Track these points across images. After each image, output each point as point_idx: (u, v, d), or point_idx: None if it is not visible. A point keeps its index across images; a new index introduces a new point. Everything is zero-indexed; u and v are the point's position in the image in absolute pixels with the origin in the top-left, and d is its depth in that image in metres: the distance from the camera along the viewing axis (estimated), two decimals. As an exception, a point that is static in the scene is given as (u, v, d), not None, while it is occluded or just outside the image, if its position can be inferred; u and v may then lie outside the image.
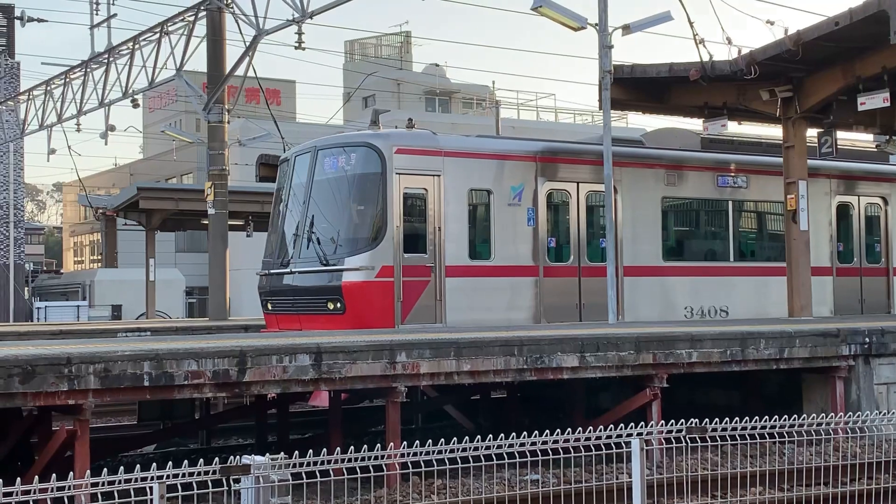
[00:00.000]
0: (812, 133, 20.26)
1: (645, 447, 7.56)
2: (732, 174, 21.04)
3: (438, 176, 17.57)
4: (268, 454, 6.93)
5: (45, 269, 60.33)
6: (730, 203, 21.06)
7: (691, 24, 18.76)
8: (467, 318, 17.38)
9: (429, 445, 7.05)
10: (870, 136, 23.56)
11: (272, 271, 18.25)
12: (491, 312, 17.76)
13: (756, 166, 21.43)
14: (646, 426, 7.77)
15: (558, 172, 19.03)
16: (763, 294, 21.07)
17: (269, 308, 18.32)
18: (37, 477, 6.11)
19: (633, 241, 19.57)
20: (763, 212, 21.84)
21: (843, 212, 22.45)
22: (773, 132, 22.63)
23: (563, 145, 20.35)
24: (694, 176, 20.65)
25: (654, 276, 19.82)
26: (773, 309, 20.82)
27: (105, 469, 6.36)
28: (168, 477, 6.14)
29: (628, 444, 7.51)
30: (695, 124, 22.81)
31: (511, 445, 7.24)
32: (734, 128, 22.29)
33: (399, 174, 17.19)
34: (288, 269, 17.75)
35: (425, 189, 17.47)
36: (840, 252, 22.19)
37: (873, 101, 18.09)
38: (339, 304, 16.74)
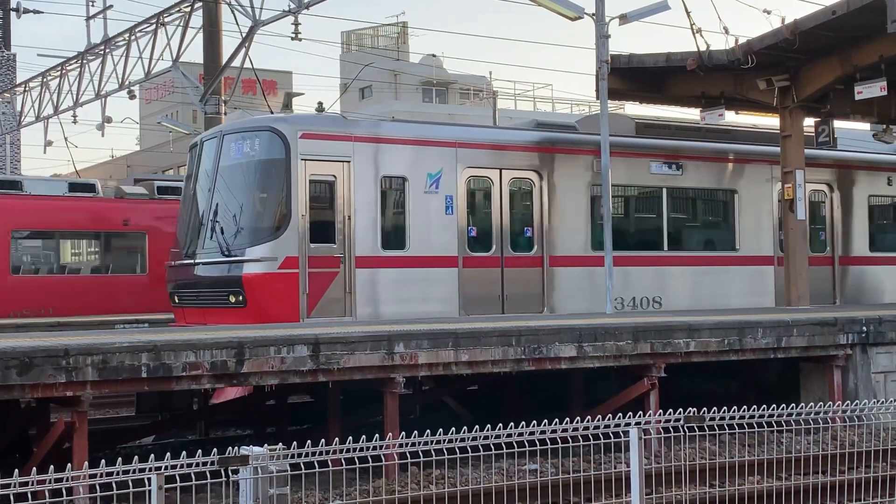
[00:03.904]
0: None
1: (643, 436, 7.57)
2: (667, 160, 20.20)
3: (348, 162, 16.92)
4: (266, 445, 6.93)
5: (42, 260, 60.12)
6: (664, 190, 20.27)
7: (688, 13, 18.74)
8: (380, 311, 16.84)
9: (427, 436, 7.06)
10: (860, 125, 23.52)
11: (177, 263, 17.65)
12: (406, 305, 17.15)
13: (693, 152, 20.61)
14: (644, 416, 7.77)
15: (479, 159, 18.29)
16: (698, 284, 20.32)
17: (176, 301, 17.76)
18: (35, 469, 6.11)
19: (559, 230, 18.87)
20: (699, 199, 21.11)
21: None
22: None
23: (484, 131, 19.78)
24: (625, 162, 19.73)
25: (581, 266, 19.08)
26: (709, 300, 20.15)
27: (103, 461, 6.36)
28: (166, 468, 6.13)
29: (626, 433, 7.51)
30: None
31: (509, 435, 7.25)
32: (671, 113, 21.79)
33: (305, 160, 16.55)
34: (192, 261, 17.16)
35: (334, 176, 16.82)
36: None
37: (870, 90, 18.10)
38: (240, 297, 16.20)
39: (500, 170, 18.52)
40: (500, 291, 18.24)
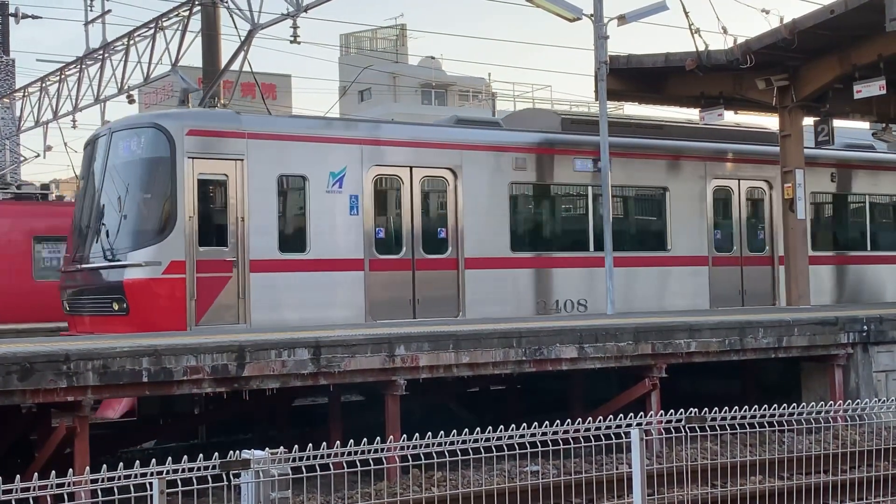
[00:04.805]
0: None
1: (644, 437, 7.56)
2: (593, 157, 19.07)
3: (241, 160, 16.14)
4: (267, 448, 6.93)
5: (42, 265, 60.15)
6: (590, 188, 19.38)
7: (687, 13, 18.74)
8: (277, 318, 16.10)
9: (428, 438, 7.05)
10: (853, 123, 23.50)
11: (66, 268, 17.01)
12: (306, 311, 16.39)
13: (620, 148, 19.51)
14: (645, 416, 7.77)
15: (388, 156, 17.54)
16: (628, 286, 19.35)
17: (67, 309, 17.02)
18: (36, 474, 6.10)
19: (476, 230, 18.10)
20: (628, 197, 20.25)
21: (721, 196, 20.97)
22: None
23: (393, 127, 19.04)
24: (547, 160, 19.06)
25: (500, 268, 18.35)
26: (639, 302, 19.47)
27: (105, 465, 6.36)
28: (168, 473, 6.13)
29: (628, 434, 7.51)
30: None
31: (511, 437, 7.24)
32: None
33: (192, 158, 15.79)
34: (78, 266, 16.44)
35: (225, 175, 16.09)
36: (717, 240, 20.77)
37: (869, 89, 18.11)
38: (123, 305, 15.46)
39: (411, 168, 17.76)
40: (412, 295, 17.48)
